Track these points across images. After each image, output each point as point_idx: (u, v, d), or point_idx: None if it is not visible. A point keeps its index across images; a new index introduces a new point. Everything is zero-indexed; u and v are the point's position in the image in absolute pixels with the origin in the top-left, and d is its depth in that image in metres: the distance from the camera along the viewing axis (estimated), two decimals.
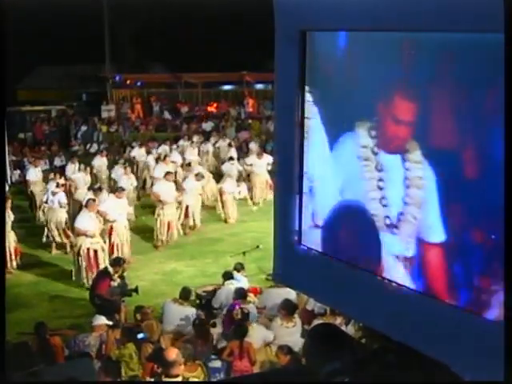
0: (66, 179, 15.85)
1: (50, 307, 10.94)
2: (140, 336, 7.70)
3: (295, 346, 7.41)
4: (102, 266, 11.42)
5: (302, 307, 8.69)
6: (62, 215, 13.84)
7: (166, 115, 31.79)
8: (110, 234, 12.54)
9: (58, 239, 13.75)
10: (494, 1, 1.51)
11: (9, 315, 7.40)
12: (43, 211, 14.48)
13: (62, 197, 13.89)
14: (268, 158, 17.48)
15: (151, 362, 7.21)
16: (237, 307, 8.48)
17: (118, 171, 17.08)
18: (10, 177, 18.78)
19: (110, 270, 10.41)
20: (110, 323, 8.41)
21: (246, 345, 7.52)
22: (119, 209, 12.76)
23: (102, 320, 8.40)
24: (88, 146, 25.50)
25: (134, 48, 37.99)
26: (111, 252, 12.32)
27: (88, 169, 17.09)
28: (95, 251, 11.65)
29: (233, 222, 15.91)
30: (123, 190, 13.41)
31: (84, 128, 28.84)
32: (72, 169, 16.77)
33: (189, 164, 18.27)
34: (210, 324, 8.59)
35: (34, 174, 16.83)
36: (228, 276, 9.73)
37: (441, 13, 1.66)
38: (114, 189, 14.40)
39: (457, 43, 1.65)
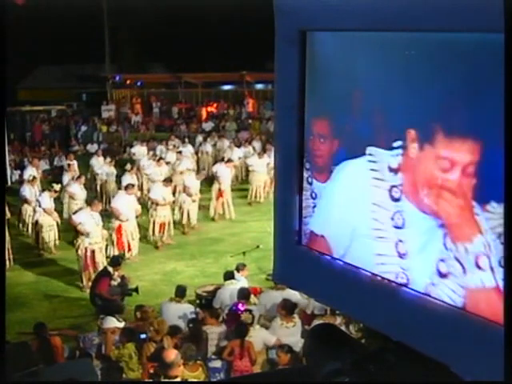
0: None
1: (49, 307, 10.94)
2: (143, 336, 7.69)
3: (295, 346, 7.40)
4: (99, 267, 11.45)
5: (303, 309, 8.69)
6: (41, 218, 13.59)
7: (164, 115, 31.90)
8: (120, 232, 12.54)
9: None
10: (494, 1, 1.51)
11: (9, 315, 7.40)
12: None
13: (44, 200, 13.63)
14: (268, 158, 17.54)
15: (151, 362, 7.22)
16: (240, 307, 8.47)
17: (105, 169, 17.41)
18: (10, 177, 18.77)
19: (110, 269, 10.42)
20: (121, 325, 8.38)
21: (246, 344, 7.52)
22: (129, 206, 12.80)
23: (112, 323, 8.37)
24: (88, 145, 25.53)
25: (134, 48, 38.01)
26: (120, 249, 12.36)
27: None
28: (92, 251, 11.63)
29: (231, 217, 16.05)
30: (133, 186, 13.48)
31: (84, 128, 28.89)
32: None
33: (180, 152, 18.53)
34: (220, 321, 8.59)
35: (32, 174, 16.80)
36: (229, 276, 9.71)
37: (441, 13, 1.66)
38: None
39: (457, 43, 1.65)
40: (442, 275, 1.75)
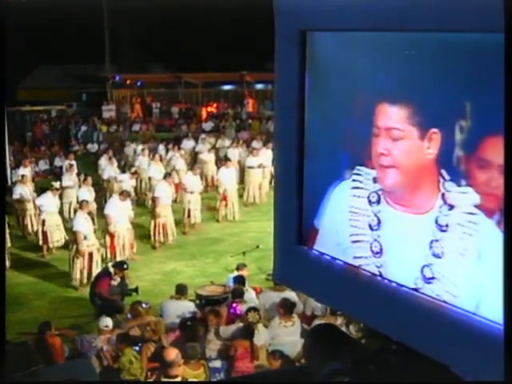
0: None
1: (49, 307, 10.95)
2: (136, 348, 7.64)
3: (294, 346, 7.41)
4: (96, 268, 11.45)
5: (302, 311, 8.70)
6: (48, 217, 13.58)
7: (164, 115, 31.96)
8: (112, 236, 12.52)
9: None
10: (494, 1, 1.51)
11: (9, 315, 7.41)
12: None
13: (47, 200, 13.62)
14: (261, 158, 17.60)
15: (151, 362, 7.20)
16: (235, 307, 8.47)
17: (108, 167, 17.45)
18: (10, 177, 18.76)
19: (111, 270, 10.43)
20: (111, 324, 8.38)
21: (255, 348, 7.53)
22: (123, 211, 12.78)
23: (110, 323, 8.36)
24: (88, 145, 25.54)
25: (134, 48, 38.03)
26: (112, 252, 12.34)
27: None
28: (90, 253, 11.63)
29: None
30: (128, 192, 13.51)
31: (84, 128, 28.92)
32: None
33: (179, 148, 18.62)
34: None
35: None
36: (239, 281, 9.52)
37: (441, 13, 1.66)
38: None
39: (457, 43, 1.65)
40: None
